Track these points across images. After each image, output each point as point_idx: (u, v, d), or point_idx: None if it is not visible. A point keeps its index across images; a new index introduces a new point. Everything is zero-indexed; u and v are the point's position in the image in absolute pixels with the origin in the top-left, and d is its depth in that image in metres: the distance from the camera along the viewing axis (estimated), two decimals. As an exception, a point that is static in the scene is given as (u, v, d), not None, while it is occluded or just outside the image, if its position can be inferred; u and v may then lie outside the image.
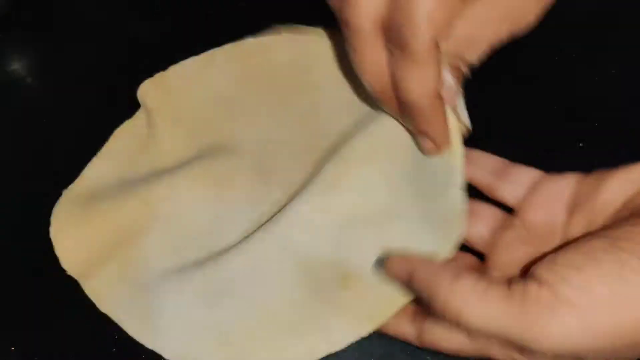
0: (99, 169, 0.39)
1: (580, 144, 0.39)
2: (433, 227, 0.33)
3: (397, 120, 0.33)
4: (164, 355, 0.33)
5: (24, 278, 0.36)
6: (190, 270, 0.35)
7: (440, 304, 0.27)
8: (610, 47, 0.42)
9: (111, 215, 0.36)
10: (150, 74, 0.41)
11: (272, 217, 0.35)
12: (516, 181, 0.33)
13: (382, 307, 0.32)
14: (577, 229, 0.30)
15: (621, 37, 0.43)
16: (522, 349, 0.25)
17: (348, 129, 0.37)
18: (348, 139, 0.36)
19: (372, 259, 0.33)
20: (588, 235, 0.26)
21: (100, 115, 0.41)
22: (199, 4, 0.45)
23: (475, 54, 0.31)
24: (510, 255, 0.32)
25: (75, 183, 0.38)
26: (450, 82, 0.30)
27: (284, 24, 0.42)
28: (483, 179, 0.34)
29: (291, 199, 0.36)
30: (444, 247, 0.32)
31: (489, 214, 0.34)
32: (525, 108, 0.40)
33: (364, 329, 0.32)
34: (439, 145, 0.31)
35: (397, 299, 0.32)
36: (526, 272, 0.27)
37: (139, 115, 0.40)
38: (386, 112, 0.34)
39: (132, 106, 0.41)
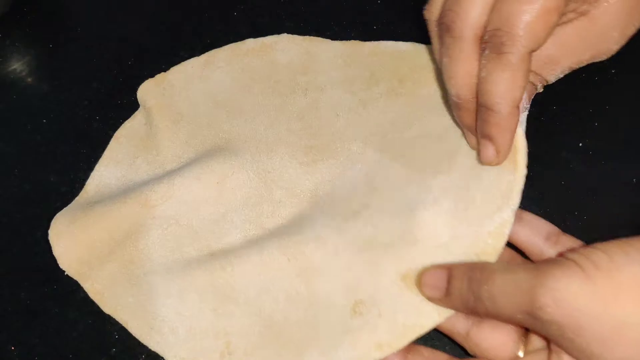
0: (102, 175, 0.39)
1: (580, 144, 0.39)
2: (466, 251, 0.31)
3: (462, 129, 0.33)
4: (168, 359, 0.33)
5: (24, 278, 0.36)
6: (194, 272, 0.34)
7: (483, 294, 0.28)
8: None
9: (110, 216, 0.36)
10: (150, 74, 0.41)
11: (286, 229, 0.35)
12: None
13: (393, 337, 0.31)
14: None
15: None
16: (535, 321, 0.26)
17: (347, 130, 0.37)
18: (372, 163, 0.36)
19: (389, 287, 0.32)
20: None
21: (100, 115, 0.41)
22: (201, 5, 0.45)
23: (553, 74, 0.33)
24: None
25: (80, 194, 0.38)
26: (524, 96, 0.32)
27: (286, 26, 0.42)
28: (534, 241, 0.33)
29: (292, 201, 0.36)
30: None
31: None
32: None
33: (371, 358, 0.31)
34: (500, 154, 0.31)
35: (410, 330, 0.31)
36: None
37: (138, 115, 0.40)
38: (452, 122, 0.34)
39: (132, 106, 0.41)
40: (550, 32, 0.29)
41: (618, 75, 0.41)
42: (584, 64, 0.33)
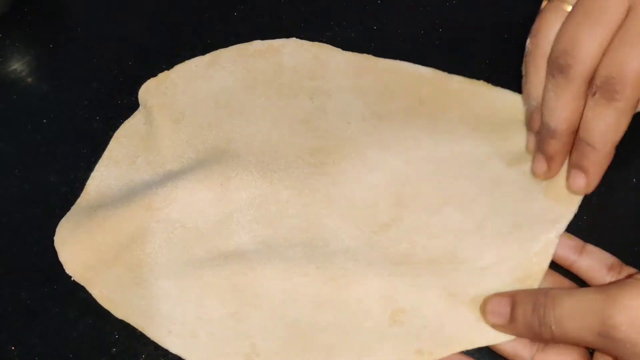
0: (102, 175, 0.38)
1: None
2: (513, 271, 0.32)
3: (538, 155, 0.35)
4: None
5: (24, 278, 0.36)
6: (211, 276, 0.34)
7: (549, 318, 0.28)
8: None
9: (114, 220, 0.36)
10: (150, 74, 0.41)
11: (304, 233, 0.35)
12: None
13: (436, 346, 0.31)
14: None
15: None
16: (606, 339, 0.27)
17: (360, 138, 0.37)
18: (396, 175, 0.36)
19: (435, 301, 0.32)
20: None
21: (100, 115, 0.41)
22: (201, 5, 0.45)
23: None
24: None
25: (81, 195, 0.38)
26: None
27: (286, 26, 0.42)
28: (597, 272, 0.34)
29: (300, 200, 0.36)
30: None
31: None
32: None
33: None
34: (590, 185, 0.34)
35: (456, 342, 0.31)
36: None
37: (138, 115, 0.40)
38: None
39: (132, 106, 0.41)
40: None
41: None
42: None
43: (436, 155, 0.36)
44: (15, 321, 0.35)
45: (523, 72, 0.35)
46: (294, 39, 0.41)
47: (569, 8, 0.33)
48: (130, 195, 0.37)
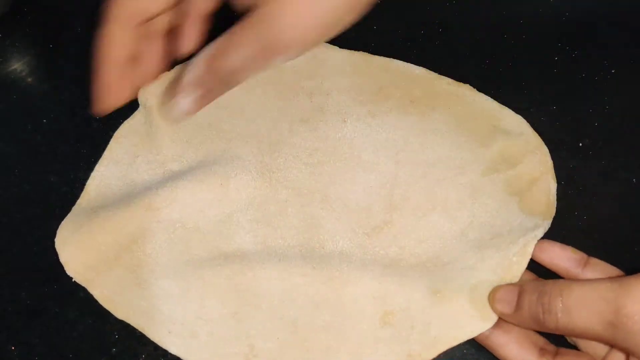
0: (102, 175, 0.38)
1: (580, 144, 0.39)
2: (493, 270, 0.33)
3: None
4: None
5: (24, 278, 0.36)
6: (212, 276, 0.34)
7: (556, 306, 0.28)
8: (611, 47, 0.42)
9: (114, 221, 0.36)
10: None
11: (302, 233, 0.35)
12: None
13: (425, 348, 0.32)
14: None
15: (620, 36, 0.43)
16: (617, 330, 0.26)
17: (355, 138, 0.38)
18: (388, 177, 0.37)
19: (421, 301, 0.33)
20: None
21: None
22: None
23: None
24: None
25: (82, 196, 0.38)
26: None
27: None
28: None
29: (299, 200, 0.36)
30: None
31: None
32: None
33: None
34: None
35: (441, 342, 0.32)
36: None
37: (137, 115, 0.40)
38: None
39: (132, 106, 0.40)
40: None
41: (618, 75, 0.41)
42: None
43: (423, 157, 0.38)
44: (15, 321, 0.35)
45: None
46: None
47: None
48: (130, 195, 0.37)
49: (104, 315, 0.34)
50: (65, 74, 0.43)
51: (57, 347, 0.34)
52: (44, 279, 0.36)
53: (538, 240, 0.33)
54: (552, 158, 0.37)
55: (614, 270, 0.33)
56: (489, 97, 0.40)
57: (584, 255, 0.33)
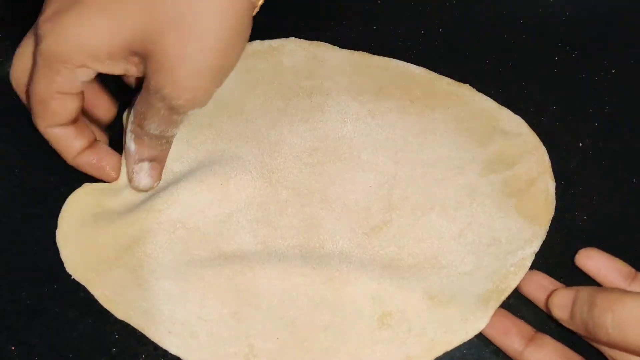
0: None
1: (580, 144, 0.39)
2: (490, 278, 0.33)
3: None
4: None
5: (24, 278, 0.36)
6: (212, 276, 0.34)
7: (606, 321, 0.27)
8: (611, 47, 0.42)
9: (115, 222, 0.36)
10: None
11: (302, 233, 0.36)
12: None
13: (423, 351, 0.32)
14: None
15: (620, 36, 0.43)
16: None
17: (355, 138, 0.38)
18: (387, 177, 0.37)
19: (418, 304, 0.33)
20: None
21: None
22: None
23: None
24: None
25: (81, 188, 0.38)
26: None
27: (286, 26, 0.42)
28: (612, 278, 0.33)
29: (299, 200, 0.36)
30: (493, 296, 0.33)
31: None
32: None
33: None
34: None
35: (438, 345, 0.32)
36: None
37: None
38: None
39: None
40: None
41: (618, 75, 0.41)
42: None
43: (422, 157, 0.38)
44: (15, 321, 0.35)
45: None
46: (293, 38, 0.42)
47: None
48: (131, 198, 0.37)
49: (104, 315, 0.34)
50: (65, 74, 0.43)
51: (57, 347, 0.34)
52: (44, 279, 0.36)
53: (584, 249, 0.34)
54: (552, 158, 0.37)
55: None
56: (489, 97, 0.40)
57: (632, 270, 0.32)
